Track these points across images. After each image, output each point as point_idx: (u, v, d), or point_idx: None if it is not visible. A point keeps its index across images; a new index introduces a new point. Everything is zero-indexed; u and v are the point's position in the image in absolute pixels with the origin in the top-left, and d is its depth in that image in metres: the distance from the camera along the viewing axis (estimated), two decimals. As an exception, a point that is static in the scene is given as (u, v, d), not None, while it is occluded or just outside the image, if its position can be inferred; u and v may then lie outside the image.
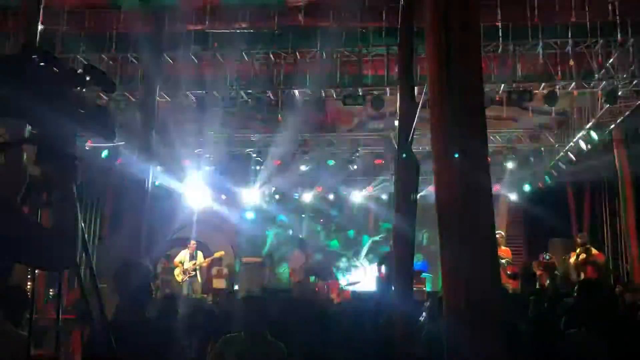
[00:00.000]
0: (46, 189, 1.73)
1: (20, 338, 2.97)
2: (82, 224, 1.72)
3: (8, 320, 3.06)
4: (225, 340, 4.00)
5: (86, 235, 1.87)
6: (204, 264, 13.37)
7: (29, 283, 4.59)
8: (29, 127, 1.68)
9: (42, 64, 1.59)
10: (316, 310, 5.74)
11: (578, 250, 10.78)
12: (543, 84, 10.04)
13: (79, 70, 1.73)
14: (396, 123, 6.47)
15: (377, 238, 16.22)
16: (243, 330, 4.00)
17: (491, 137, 12.80)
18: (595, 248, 11.78)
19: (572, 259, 10.80)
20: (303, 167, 14.02)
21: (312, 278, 12.83)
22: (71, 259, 1.65)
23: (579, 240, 11.58)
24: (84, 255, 1.83)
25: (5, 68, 1.48)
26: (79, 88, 1.69)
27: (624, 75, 9.82)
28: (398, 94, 6.29)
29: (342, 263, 16.18)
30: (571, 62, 9.87)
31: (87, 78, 1.71)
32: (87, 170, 13.39)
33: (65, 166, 1.68)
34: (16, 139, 1.84)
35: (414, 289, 8.04)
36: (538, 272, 10.43)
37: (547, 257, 12.70)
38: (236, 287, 13.75)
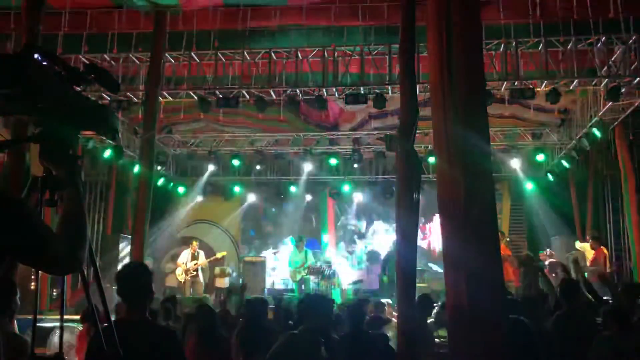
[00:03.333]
0: (49, 187, 1.73)
1: (20, 340, 2.96)
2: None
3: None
4: None
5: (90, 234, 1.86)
6: (206, 265, 13.35)
7: (32, 283, 4.60)
8: (32, 126, 1.67)
9: (44, 63, 1.59)
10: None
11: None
12: (545, 82, 10.01)
13: (82, 70, 1.72)
14: (398, 121, 6.46)
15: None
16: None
17: (493, 135, 12.78)
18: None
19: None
20: None
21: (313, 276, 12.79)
22: (78, 263, 1.61)
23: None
24: (87, 254, 1.81)
25: (7, 67, 1.48)
26: (81, 87, 1.68)
27: (627, 73, 9.78)
28: (400, 93, 6.28)
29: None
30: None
31: (90, 77, 1.70)
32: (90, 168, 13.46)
33: (69, 165, 1.67)
34: (19, 137, 1.84)
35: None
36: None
37: (549, 254, 12.70)
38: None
